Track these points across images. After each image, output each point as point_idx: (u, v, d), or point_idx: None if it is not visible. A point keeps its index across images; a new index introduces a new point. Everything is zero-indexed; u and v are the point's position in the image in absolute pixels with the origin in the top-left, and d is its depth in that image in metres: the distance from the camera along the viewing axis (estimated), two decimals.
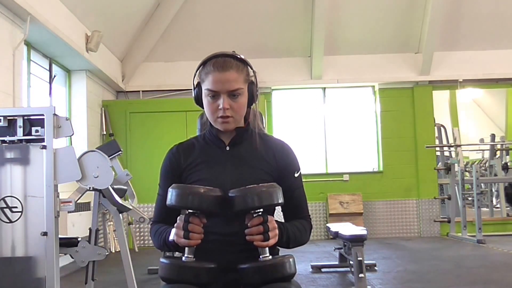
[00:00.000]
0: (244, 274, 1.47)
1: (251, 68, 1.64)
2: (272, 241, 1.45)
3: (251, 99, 1.63)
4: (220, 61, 1.58)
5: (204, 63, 1.61)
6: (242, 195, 1.44)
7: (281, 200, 1.46)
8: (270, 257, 1.48)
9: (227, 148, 1.65)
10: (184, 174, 1.64)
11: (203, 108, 1.65)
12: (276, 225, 1.48)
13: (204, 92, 1.61)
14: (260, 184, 1.47)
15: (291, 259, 1.50)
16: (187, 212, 1.47)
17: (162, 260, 1.49)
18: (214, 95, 1.57)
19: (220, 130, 1.64)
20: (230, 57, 1.59)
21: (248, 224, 1.46)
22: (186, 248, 1.46)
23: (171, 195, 1.45)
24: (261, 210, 1.46)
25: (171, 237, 1.50)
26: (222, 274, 1.53)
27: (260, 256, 1.47)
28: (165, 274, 1.48)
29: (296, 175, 1.65)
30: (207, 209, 1.44)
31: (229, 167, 1.61)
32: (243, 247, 1.52)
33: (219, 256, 1.55)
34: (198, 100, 1.65)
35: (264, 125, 1.88)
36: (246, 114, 1.65)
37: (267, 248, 1.47)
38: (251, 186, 1.46)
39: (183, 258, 1.47)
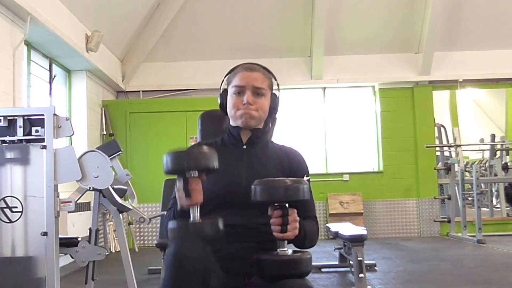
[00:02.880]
0: (261, 265, 1.48)
1: (276, 81, 1.77)
2: (290, 234, 1.46)
3: (273, 110, 1.74)
4: (249, 64, 1.75)
5: (232, 69, 1.76)
6: (268, 187, 1.45)
7: (306, 197, 1.48)
8: (289, 251, 1.48)
9: (244, 147, 1.72)
10: None
11: (226, 113, 1.75)
12: (297, 219, 1.49)
13: (230, 91, 1.72)
14: (289, 178, 1.49)
15: (308, 256, 1.51)
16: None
17: (170, 225, 1.48)
18: (240, 91, 1.69)
19: (240, 129, 1.71)
20: (258, 65, 1.77)
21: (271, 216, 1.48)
22: (191, 210, 1.46)
23: (166, 161, 1.44)
24: (284, 203, 1.47)
25: (179, 206, 1.50)
26: (228, 262, 1.55)
27: (278, 249, 1.48)
28: (174, 236, 1.48)
29: (305, 179, 1.67)
30: (205, 165, 1.45)
31: (245, 163, 1.68)
32: (254, 238, 1.56)
33: (229, 246, 1.56)
34: (223, 106, 1.76)
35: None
36: (267, 119, 1.74)
37: (285, 242, 1.48)
38: (278, 178, 1.50)
39: (190, 220, 1.46)
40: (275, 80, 1.77)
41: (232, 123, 1.74)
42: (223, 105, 1.76)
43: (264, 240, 1.56)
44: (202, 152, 1.45)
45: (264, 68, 1.76)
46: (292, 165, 1.72)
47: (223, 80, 1.77)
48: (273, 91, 1.75)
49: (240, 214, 1.59)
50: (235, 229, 1.58)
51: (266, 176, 1.53)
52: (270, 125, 1.79)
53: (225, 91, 1.75)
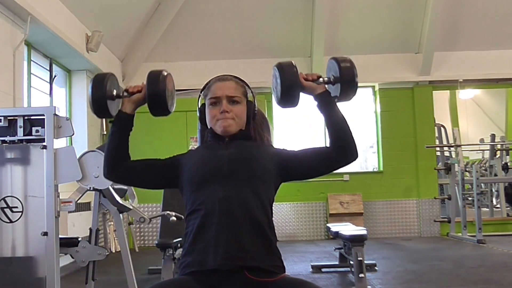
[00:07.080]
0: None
1: (250, 89, 1.84)
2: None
3: (250, 117, 1.81)
4: (221, 76, 1.82)
5: (206, 84, 1.83)
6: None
7: None
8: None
9: (226, 139, 1.77)
10: (183, 162, 1.77)
11: (207, 127, 1.80)
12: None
13: (207, 103, 1.79)
14: None
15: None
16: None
17: None
18: (216, 101, 1.76)
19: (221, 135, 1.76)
20: (230, 75, 1.83)
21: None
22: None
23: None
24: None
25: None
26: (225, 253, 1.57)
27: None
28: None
29: (290, 149, 1.80)
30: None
31: (227, 148, 1.73)
32: (241, 211, 1.61)
33: (220, 229, 1.60)
34: (203, 121, 1.83)
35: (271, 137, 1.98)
36: (247, 126, 1.80)
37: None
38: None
39: None
40: (249, 88, 1.84)
41: (212, 126, 1.80)
42: (203, 120, 1.83)
43: (251, 213, 1.61)
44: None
45: (236, 77, 1.83)
46: (278, 155, 1.77)
47: (199, 96, 1.84)
48: (249, 98, 1.82)
49: (227, 187, 1.63)
50: (223, 202, 1.62)
51: (249, 154, 1.70)
52: (257, 126, 1.85)
53: (203, 106, 1.83)
